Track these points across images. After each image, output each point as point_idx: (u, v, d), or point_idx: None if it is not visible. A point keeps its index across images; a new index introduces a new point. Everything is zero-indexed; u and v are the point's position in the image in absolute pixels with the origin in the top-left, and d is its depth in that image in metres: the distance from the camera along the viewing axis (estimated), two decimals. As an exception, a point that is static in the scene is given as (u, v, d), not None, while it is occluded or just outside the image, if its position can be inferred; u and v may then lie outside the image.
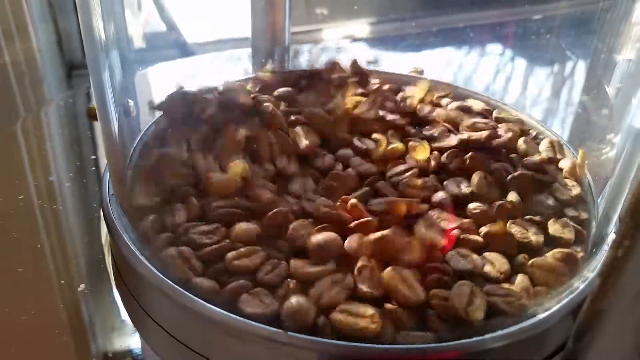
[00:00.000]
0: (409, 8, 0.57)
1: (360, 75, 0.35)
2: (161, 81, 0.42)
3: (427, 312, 0.22)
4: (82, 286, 0.32)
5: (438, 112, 0.33)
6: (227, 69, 0.48)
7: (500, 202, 0.27)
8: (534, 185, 0.28)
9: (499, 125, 0.32)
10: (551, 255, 0.25)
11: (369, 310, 0.22)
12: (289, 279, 0.23)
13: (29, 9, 0.53)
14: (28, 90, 0.50)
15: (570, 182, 0.29)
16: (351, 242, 0.24)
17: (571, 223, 0.27)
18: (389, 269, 0.23)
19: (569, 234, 0.26)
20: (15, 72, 0.51)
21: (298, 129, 0.31)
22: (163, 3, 0.46)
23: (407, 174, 0.28)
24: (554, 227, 0.26)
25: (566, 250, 0.25)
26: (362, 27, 0.56)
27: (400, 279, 0.23)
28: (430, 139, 0.31)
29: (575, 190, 0.28)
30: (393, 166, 0.29)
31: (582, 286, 0.24)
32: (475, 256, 0.24)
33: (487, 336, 0.21)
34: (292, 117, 0.31)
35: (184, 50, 0.47)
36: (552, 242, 0.26)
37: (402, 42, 0.53)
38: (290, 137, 0.30)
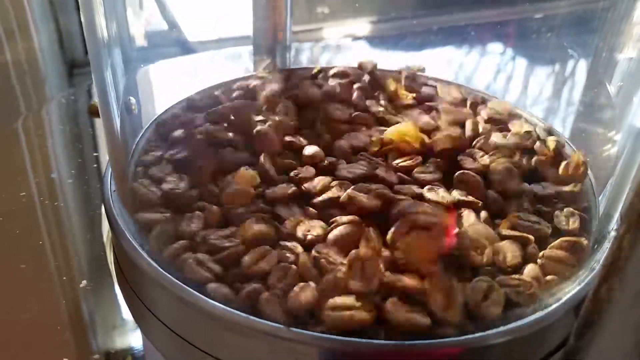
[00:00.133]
0: (410, 7, 0.57)
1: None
2: (162, 79, 0.43)
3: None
4: (85, 282, 0.32)
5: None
6: (228, 67, 0.48)
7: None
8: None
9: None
10: (558, 244, 0.25)
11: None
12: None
13: (30, 7, 0.53)
14: (29, 89, 0.50)
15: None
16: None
17: (577, 213, 0.27)
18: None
19: (574, 224, 0.26)
20: (16, 70, 0.51)
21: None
22: (164, 1, 0.46)
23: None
24: (558, 219, 0.27)
25: (573, 238, 0.26)
26: (363, 25, 0.56)
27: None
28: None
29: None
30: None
31: (583, 284, 0.24)
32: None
33: (490, 332, 0.21)
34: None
35: (185, 48, 0.47)
36: (558, 232, 0.26)
37: (403, 40, 0.53)
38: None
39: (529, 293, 0.23)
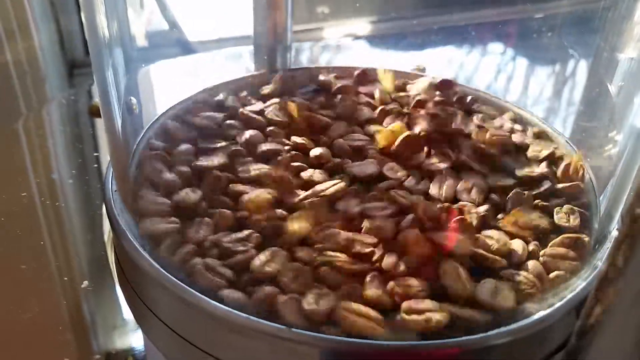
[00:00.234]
0: (411, 6, 0.57)
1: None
2: (163, 79, 0.43)
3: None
4: (86, 283, 0.32)
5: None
6: (228, 67, 0.49)
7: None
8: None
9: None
10: (560, 241, 0.25)
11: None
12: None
13: (31, 7, 0.53)
14: (30, 89, 0.50)
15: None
16: None
17: (577, 209, 0.27)
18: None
19: (574, 221, 0.27)
20: (17, 70, 0.51)
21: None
22: (165, 1, 0.47)
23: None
24: (558, 216, 0.27)
25: (574, 235, 0.26)
26: (363, 25, 0.56)
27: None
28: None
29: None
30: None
31: (584, 284, 0.24)
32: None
33: (490, 333, 0.21)
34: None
35: (186, 48, 0.47)
36: (558, 229, 0.26)
37: (403, 40, 0.53)
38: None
39: (532, 291, 0.23)
